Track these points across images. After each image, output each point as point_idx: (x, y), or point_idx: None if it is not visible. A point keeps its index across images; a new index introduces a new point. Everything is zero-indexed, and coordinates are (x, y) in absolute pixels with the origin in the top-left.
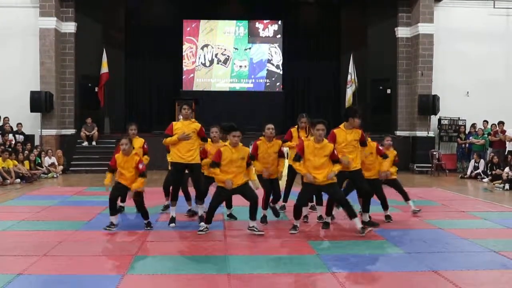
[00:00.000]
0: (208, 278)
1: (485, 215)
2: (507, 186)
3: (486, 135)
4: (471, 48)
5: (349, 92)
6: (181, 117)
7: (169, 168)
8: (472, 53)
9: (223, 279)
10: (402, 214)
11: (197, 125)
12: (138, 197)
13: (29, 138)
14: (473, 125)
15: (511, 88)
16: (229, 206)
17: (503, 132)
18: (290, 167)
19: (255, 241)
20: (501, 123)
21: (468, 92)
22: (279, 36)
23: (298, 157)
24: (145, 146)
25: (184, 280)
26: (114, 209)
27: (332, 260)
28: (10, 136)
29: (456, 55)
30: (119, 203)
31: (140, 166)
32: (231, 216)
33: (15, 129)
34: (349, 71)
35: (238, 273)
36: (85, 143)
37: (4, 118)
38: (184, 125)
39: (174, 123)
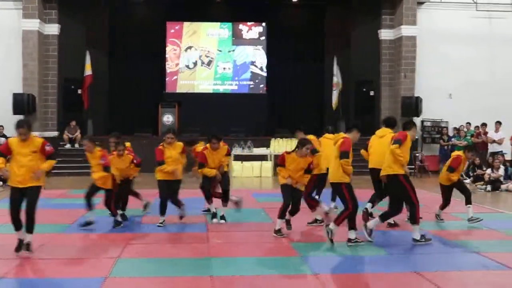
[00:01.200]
0: (191, 280)
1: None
2: (489, 187)
3: (468, 137)
4: (454, 50)
5: (335, 94)
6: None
7: None
8: (455, 55)
9: (206, 281)
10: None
11: (179, 146)
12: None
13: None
14: (456, 128)
15: (494, 90)
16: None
17: (485, 134)
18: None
19: (238, 243)
20: (484, 125)
21: (450, 94)
22: (263, 38)
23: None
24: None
25: (167, 282)
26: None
27: (315, 262)
28: None
29: (439, 57)
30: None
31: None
32: (223, 217)
33: None
34: (334, 73)
35: (221, 275)
36: (68, 145)
37: None
38: (170, 151)
39: (161, 149)
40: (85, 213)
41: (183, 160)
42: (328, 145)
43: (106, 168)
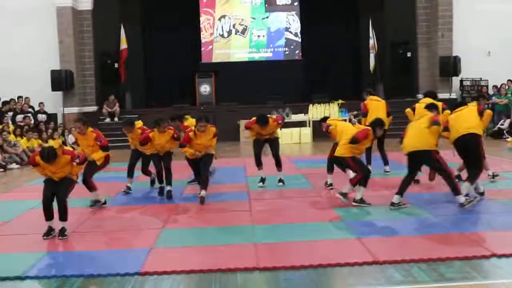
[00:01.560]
0: (235, 247)
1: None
2: None
3: (509, 95)
4: (492, 7)
5: (372, 57)
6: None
7: None
8: (493, 12)
9: (249, 248)
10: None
11: (212, 131)
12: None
13: (52, 117)
14: (496, 86)
15: None
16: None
17: None
18: None
19: (280, 209)
20: None
21: (489, 52)
22: (296, 3)
23: None
24: None
25: (211, 251)
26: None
27: (358, 226)
28: (31, 116)
29: (477, 14)
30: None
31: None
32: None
33: (37, 108)
34: (370, 35)
35: (265, 242)
36: (107, 120)
37: (25, 99)
38: (201, 138)
39: (190, 136)
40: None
41: (212, 142)
42: (377, 107)
43: (103, 148)
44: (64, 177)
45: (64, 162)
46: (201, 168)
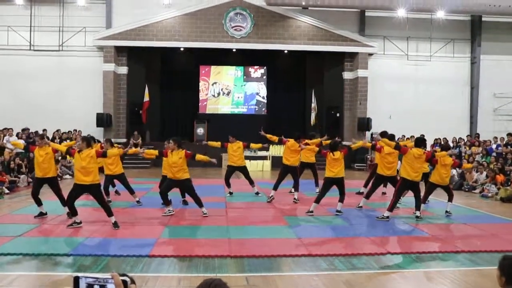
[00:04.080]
0: (215, 241)
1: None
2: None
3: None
4: (392, 86)
5: (313, 115)
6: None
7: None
8: (392, 90)
9: (224, 242)
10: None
11: (181, 153)
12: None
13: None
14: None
15: (418, 113)
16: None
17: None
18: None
19: (247, 216)
20: (412, 137)
21: (390, 116)
22: (264, 77)
23: None
24: None
25: (199, 242)
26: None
27: (299, 229)
28: None
29: (383, 91)
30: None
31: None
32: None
33: None
34: (312, 100)
35: (235, 238)
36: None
37: (78, 131)
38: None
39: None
40: (146, 195)
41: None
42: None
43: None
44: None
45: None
46: (191, 195)
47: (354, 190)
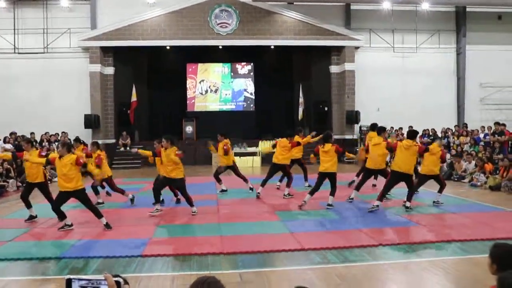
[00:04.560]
0: (207, 238)
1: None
2: None
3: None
4: (379, 79)
5: (300, 110)
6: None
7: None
8: (380, 82)
9: (217, 239)
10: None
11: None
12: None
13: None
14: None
15: (406, 105)
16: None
17: (402, 134)
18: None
19: (239, 212)
20: (400, 128)
21: (378, 108)
22: (252, 73)
23: None
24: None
25: (191, 240)
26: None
27: (291, 224)
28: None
29: (370, 83)
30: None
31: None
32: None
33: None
34: (300, 95)
35: (227, 234)
36: (122, 149)
37: (63, 133)
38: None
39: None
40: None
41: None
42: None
43: (98, 166)
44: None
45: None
46: (182, 194)
47: (344, 184)
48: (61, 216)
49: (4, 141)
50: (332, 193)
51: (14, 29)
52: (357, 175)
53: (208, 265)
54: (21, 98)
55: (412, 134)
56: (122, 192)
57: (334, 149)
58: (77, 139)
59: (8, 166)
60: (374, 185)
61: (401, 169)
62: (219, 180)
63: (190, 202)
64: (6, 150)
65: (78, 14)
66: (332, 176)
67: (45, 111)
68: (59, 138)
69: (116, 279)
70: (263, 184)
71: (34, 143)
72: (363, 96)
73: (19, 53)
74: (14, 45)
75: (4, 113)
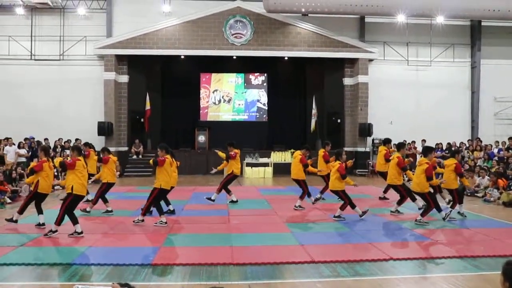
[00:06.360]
0: (217, 248)
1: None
2: None
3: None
4: (393, 92)
5: (313, 121)
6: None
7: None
8: (394, 95)
9: (227, 250)
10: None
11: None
12: None
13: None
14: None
15: (419, 118)
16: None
17: (415, 148)
18: None
19: (249, 223)
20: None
21: (391, 121)
22: (265, 84)
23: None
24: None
25: (201, 250)
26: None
27: (302, 236)
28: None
29: (383, 96)
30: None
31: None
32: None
33: None
34: (313, 107)
35: (237, 245)
36: (134, 157)
37: (77, 140)
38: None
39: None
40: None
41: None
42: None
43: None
44: None
45: None
46: (148, 199)
47: (356, 196)
48: (74, 221)
49: (19, 146)
50: (341, 207)
51: (31, 36)
52: (384, 192)
53: (218, 275)
54: (36, 104)
55: (426, 150)
56: (104, 201)
57: (337, 166)
58: (87, 143)
59: (22, 171)
60: (381, 198)
61: (413, 189)
62: (228, 191)
63: (146, 210)
64: (20, 155)
65: (94, 22)
66: (337, 193)
67: (59, 117)
68: (71, 144)
69: None
70: (308, 195)
71: (49, 147)
72: (376, 108)
73: (35, 59)
74: (31, 52)
75: (19, 119)
